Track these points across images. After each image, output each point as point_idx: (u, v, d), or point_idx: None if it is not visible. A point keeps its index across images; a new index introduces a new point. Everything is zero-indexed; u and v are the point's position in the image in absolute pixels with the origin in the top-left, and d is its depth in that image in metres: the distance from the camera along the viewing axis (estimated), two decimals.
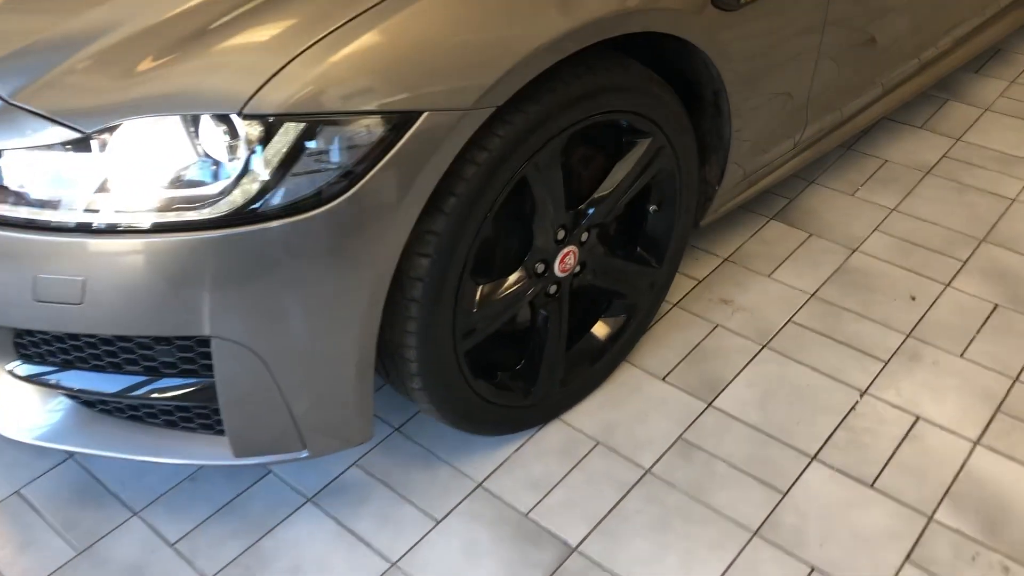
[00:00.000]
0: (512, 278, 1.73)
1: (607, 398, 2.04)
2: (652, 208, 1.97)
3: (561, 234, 1.76)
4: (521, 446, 1.94)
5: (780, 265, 2.40)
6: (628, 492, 1.84)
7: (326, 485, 1.88)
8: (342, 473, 1.90)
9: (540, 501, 1.83)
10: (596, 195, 1.79)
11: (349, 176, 1.36)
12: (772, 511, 1.79)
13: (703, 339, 2.18)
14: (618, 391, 2.06)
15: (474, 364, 1.76)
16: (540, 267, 1.77)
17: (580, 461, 1.91)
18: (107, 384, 1.59)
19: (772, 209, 2.60)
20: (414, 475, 1.89)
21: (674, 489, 1.84)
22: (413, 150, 1.38)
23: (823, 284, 2.33)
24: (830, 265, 2.39)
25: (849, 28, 2.15)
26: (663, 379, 2.08)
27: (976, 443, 1.91)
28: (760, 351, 2.15)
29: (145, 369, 1.56)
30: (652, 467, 1.89)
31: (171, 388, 1.56)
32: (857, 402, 2.01)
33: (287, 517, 1.82)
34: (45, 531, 1.80)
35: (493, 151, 1.50)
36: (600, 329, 2.01)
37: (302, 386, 1.53)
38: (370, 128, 1.36)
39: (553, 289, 1.83)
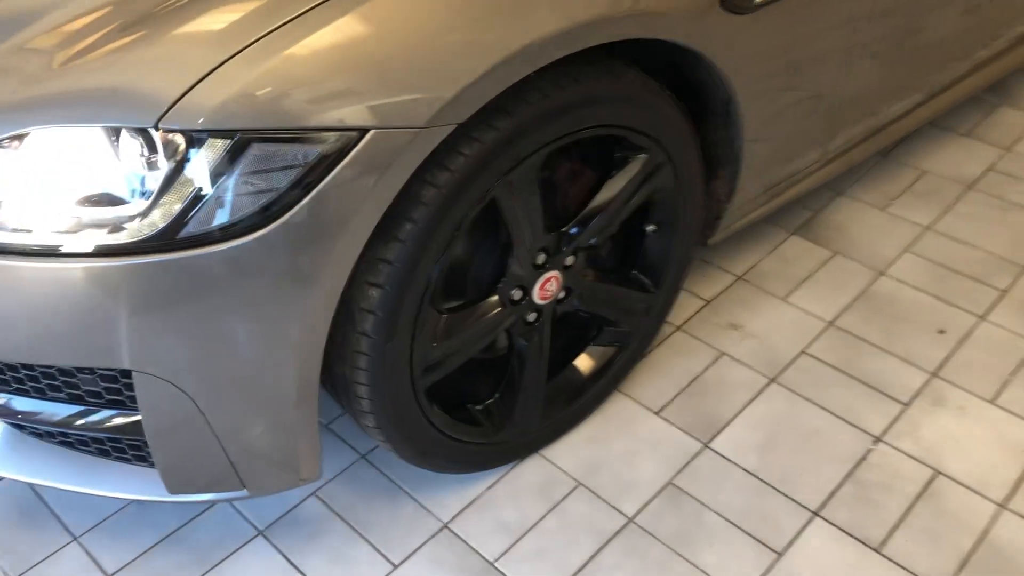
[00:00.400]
0: (484, 306, 1.56)
1: (594, 432, 1.87)
2: (650, 228, 1.78)
3: (541, 258, 1.58)
4: (495, 483, 1.78)
5: (798, 287, 2.19)
6: (607, 543, 1.67)
7: (280, 517, 1.73)
8: (299, 504, 1.75)
9: (509, 548, 1.67)
10: (582, 216, 1.61)
11: (282, 200, 1.20)
12: (764, 575, 1.61)
13: (705, 369, 1.99)
14: (607, 425, 1.88)
15: (441, 394, 1.60)
16: (517, 294, 1.59)
17: (557, 504, 1.74)
18: (39, 408, 1.46)
19: (794, 223, 2.39)
20: (375, 510, 1.73)
21: (657, 542, 1.67)
22: (357, 172, 1.21)
23: (843, 311, 2.12)
24: (853, 289, 2.18)
25: (888, 24, 1.92)
26: (657, 413, 1.90)
27: (1002, 507, 1.71)
28: (767, 386, 1.95)
29: (71, 397, 1.42)
30: (636, 516, 1.71)
31: (98, 419, 1.42)
32: (870, 450, 1.82)
33: (235, 551, 1.68)
34: None
35: (457, 171, 1.33)
36: (583, 363, 1.83)
37: (235, 424, 1.38)
38: (307, 147, 1.19)
39: (532, 317, 1.65)
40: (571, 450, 1.83)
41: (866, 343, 2.04)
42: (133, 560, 1.67)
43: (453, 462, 1.69)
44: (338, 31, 1.20)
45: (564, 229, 1.59)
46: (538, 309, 1.65)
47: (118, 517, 1.74)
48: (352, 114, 1.19)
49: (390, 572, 1.64)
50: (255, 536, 1.70)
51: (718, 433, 1.86)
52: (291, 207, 1.20)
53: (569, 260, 1.64)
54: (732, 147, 1.78)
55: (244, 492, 1.48)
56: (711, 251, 2.29)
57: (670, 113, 1.58)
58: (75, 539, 1.70)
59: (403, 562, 1.65)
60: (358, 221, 1.24)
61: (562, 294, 1.68)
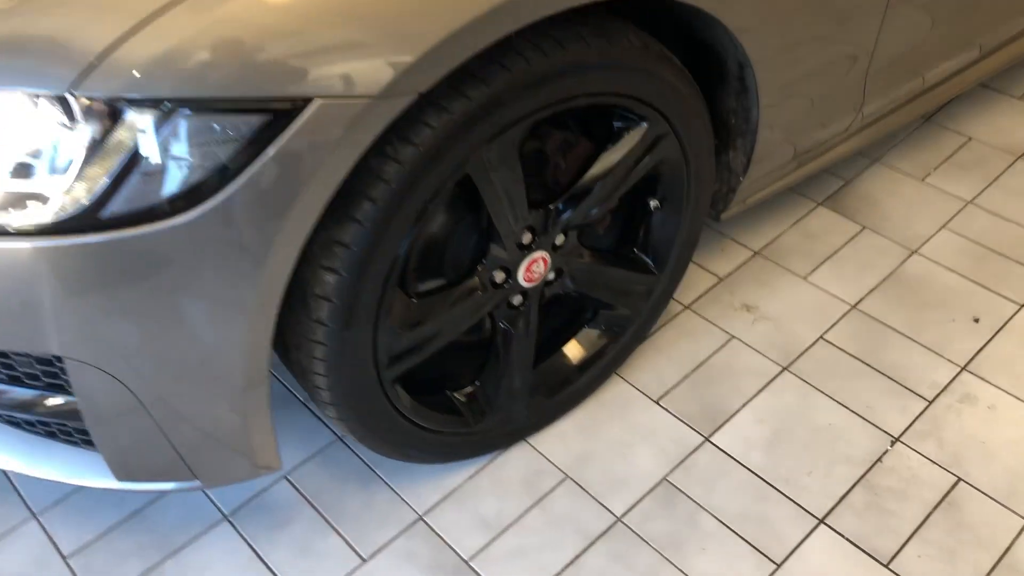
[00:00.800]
0: (462, 290, 1.43)
1: (588, 419, 1.74)
2: (653, 203, 1.62)
3: (527, 238, 1.43)
4: (476, 473, 1.66)
5: (821, 265, 2.02)
6: (591, 545, 1.55)
7: (248, 501, 1.64)
8: (268, 488, 1.65)
9: (487, 546, 1.56)
10: (573, 192, 1.45)
11: (217, 176, 1.06)
12: None
13: (713, 354, 1.85)
14: (602, 412, 1.75)
15: (418, 379, 1.48)
16: (500, 276, 1.45)
17: (542, 499, 1.62)
18: None
19: (822, 192, 2.20)
20: (348, 496, 1.63)
21: (645, 546, 1.54)
22: (301, 146, 1.07)
23: (869, 293, 1.96)
24: (881, 269, 2.01)
25: None
26: (657, 401, 1.77)
27: None
28: (779, 375, 1.80)
29: (9, 378, 1.32)
30: (625, 515, 1.59)
31: (37, 401, 1.32)
32: (887, 451, 1.67)
33: (199, 536, 1.59)
34: None
35: (423, 145, 1.18)
36: (576, 348, 1.69)
37: (178, 414, 1.27)
38: (244, 118, 1.05)
39: (518, 300, 1.51)
40: (561, 439, 1.71)
41: (891, 330, 1.88)
42: (92, 542, 1.58)
43: (428, 453, 1.57)
44: None
45: (553, 206, 1.44)
46: (524, 292, 1.51)
47: (82, 495, 1.65)
48: (294, 82, 1.05)
49: (358, 567, 1.54)
50: (220, 521, 1.61)
51: (721, 426, 1.72)
52: (226, 185, 1.07)
53: (559, 239, 1.49)
54: (748, 116, 1.60)
55: (197, 482, 1.38)
56: (727, 222, 2.12)
57: (674, 79, 1.41)
58: (34, 516, 1.62)
59: (373, 556, 1.55)
60: (305, 200, 1.11)
61: (551, 275, 1.54)
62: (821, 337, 1.87)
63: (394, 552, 1.55)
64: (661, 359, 1.84)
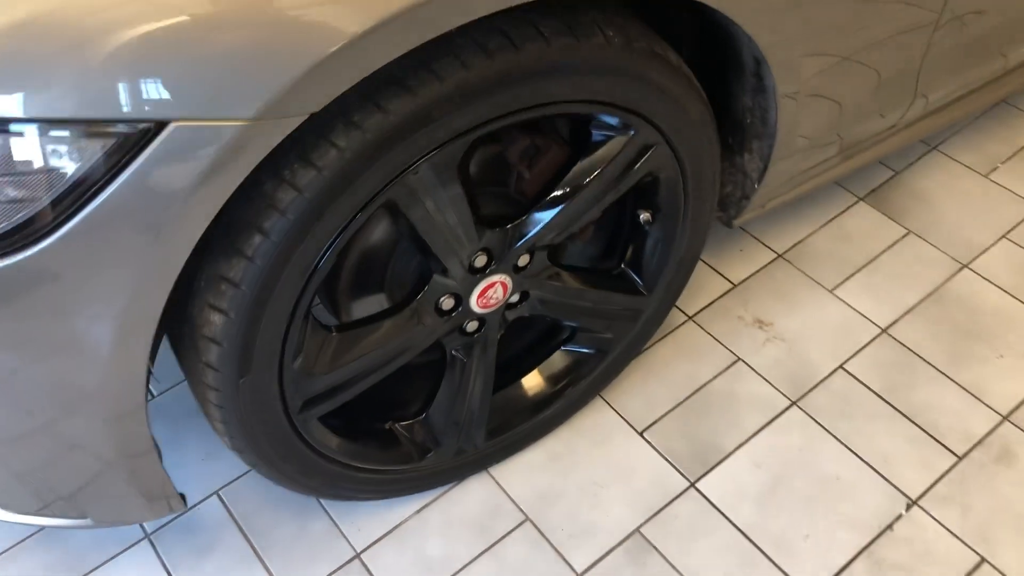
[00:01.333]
0: (396, 321, 1.21)
1: (561, 449, 1.53)
2: (643, 217, 1.37)
3: (481, 260, 1.20)
4: (427, 506, 1.47)
5: (853, 276, 1.75)
6: None
7: (173, 520, 1.48)
8: (198, 504, 1.49)
9: None
10: (538, 209, 1.21)
11: (56, 209, 0.86)
12: None
13: (713, 378, 1.61)
14: (578, 441, 1.54)
15: (354, 409, 1.29)
16: (447, 303, 1.23)
17: (495, 544, 1.43)
18: None
19: (865, 184, 1.91)
20: (282, 523, 1.46)
21: None
22: (156, 174, 0.85)
23: (904, 315, 1.69)
24: (923, 285, 1.73)
25: None
26: (641, 433, 1.55)
27: None
28: (786, 410, 1.56)
29: None
30: (586, 572, 1.39)
31: None
32: (900, 516, 1.43)
33: (115, 556, 1.44)
34: None
35: (328, 169, 0.96)
36: (547, 371, 1.47)
37: (46, 467, 1.09)
38: (85, 142, 0.83)
39: (472, 327, 1.30)
40: (527, 470, 1.51)
41: (924, 363, 1.62)
42: None
43: (363, 492, 1.39)
44: None
45: (512, 225, 1.20)
46: (480, 318, 1.29)
47: None
48: (146, 101, 0.82)
49: None
50: (140, 540, 1.46)
51: (711, 469, 1.49)
52: (65, 221, 0.86)
53: (523, 260, 1.26)
54: (766, 117, 1.33)
55: (88, 521, 1.22)
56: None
57: (667, 81, 1.15)
58: None
59: None
60: (170, 233, 0.89)
61: (515, 298, 1.31)
62: (841, 366, 1.62)
63: None
64: (653, 380, 1.61)
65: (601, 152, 1.20)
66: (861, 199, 1.88)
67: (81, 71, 0.81)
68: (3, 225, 0.86)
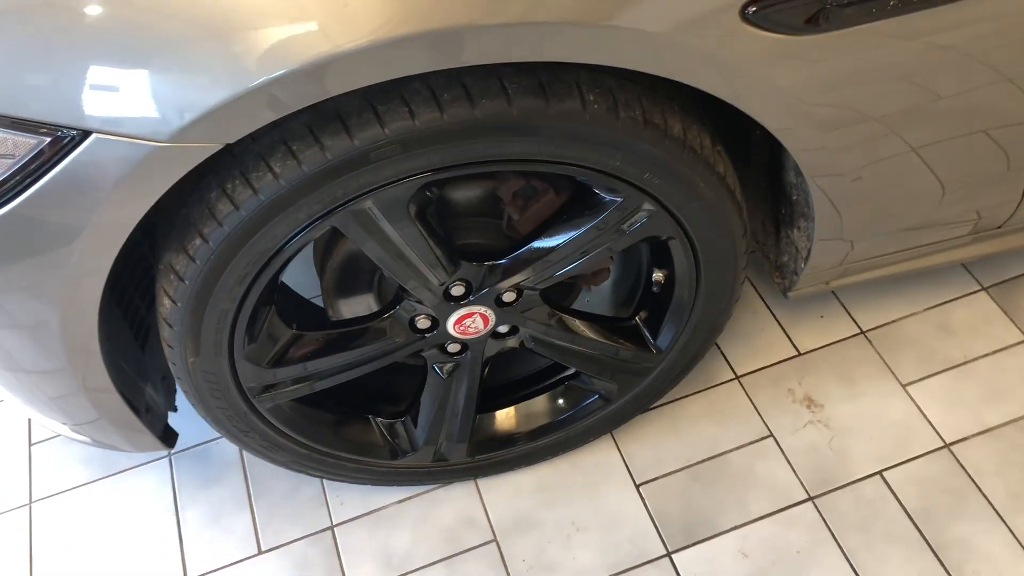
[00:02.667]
0: (364, 331, 1.23)
1: (553, 479, 1.51)
2: (656, 277, 1.29)
3: (459, 290, 1.19)
4: (409, 499, 1.51)
5: (937, 375, 1.56)
6: None
7: (196, 445, 1.61)
8: (220, 438, 1.61)
9: None
10: (519, 256, 1.18)
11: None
12: None
13: (735, 448, 1.51)
14: (572, 475, 1.51)
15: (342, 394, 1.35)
16: (424, 323, 1.24)
17: (455, 555, 1.45)
18: None
19: (994, 274, 1.67)
20: (280, 478, 1.55)
21: None
22: (80, 178, 0.92)
23: (977, 435, 1.48)
24: (1016, 407, 1.51)
25: None
26: (638, 486, 1.49)
27: None
28: (799, 504, 1.44)
29: None
30: None
31: None
32: None
33: (139, 466, 1.60)
34: None
35: (263, 192, 0.98)
36: (544, 402, 1.45)
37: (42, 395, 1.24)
38: (22, 138, 0.91)
39: (454, 348, 1.29)
40: (513, 492, 1.50)
41: (980, 496, 1.42)
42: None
43: (332, 475, 1.44)
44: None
45: (491, 263, 1.18)
46: (461, 342, 1.28)
47: None
48: (73, 110, 0.89)
49: (250, 557, 1.48)
50: (163, 457, 1.61)
51: (694, 544, 1.42)
52: (4, 203, 0.95)
53: (508, 296, 1.23)
54: (808, 199, 1.20)
55: (87, 439, 1.37)
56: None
57: (662, 152, 1.06)
58: None
59: (269, 551, 1.48)
60: (95, 229, 0.96)
61: (504, 328, 1.29)
62: (880, 473, 1.46)
63: (289, 554, 1.47)
64: (671, 434, 1.53)
65: (588, 210, 1.14)
66: (984, 289, 1.65)
67: (24, 77, 0.88)
68: None
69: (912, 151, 1.15)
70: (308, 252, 1.34)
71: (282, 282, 1.31)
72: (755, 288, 1.70)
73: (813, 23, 0.94)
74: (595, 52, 0.93)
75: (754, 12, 0.91)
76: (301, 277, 1.50)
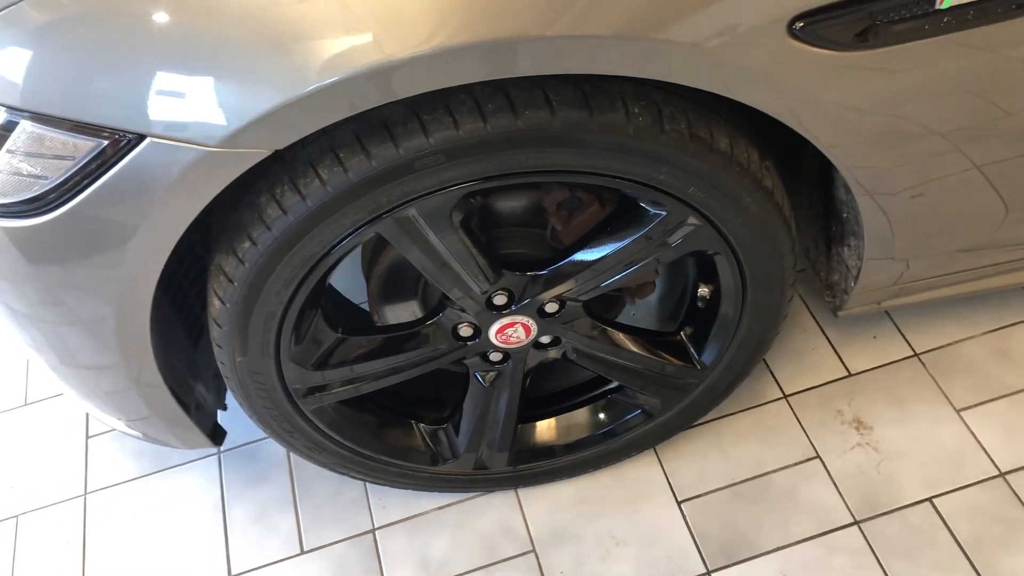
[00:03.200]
0: (408, 338, 1.25)
1: (594, 492, 1.50)
2: (702, 292, 1.28)
3: (501, 299, 1.20)
4: (449, 506, 1.52)
5: (992, 401, 1.51)
6: None
7: (246, 443, 1.64)
8: (262, 439, 1.65)
9: None
10: (561, 268, 1.18)
11: (55, 193, 0.98)
12: None
13: (781, 468, 1.49)
14: (614, 489, 1.50)
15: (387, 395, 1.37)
16: (466, 331, 1.25)
17: (493, 564, 1.45)
18: None
19: None
20: (324, 479, 1.57)
21: None
22: (135, 179, 0.95)
23: None
24: None
25: None
26: (680, 503, 1.47)
27: None
28: (844, 528, 1.41)
29: None
30: None
31: None
32: None
33: (189, 463, 1.64)
34: None
35: (311, 198, 1.00)
36: (585, 415, 1.44)
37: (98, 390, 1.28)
38: (82, 140, 0.95)
39: (497, 356, 1.30)
40: (553, 504, 1.50)
41: None
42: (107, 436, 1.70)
43: (373, 478, 1.46)
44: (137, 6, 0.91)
45: (533, 274, 1.19)
46: (503, 351, 1.29)
47: None
48: (130, 115, 0.92)
49: (293, 556, 1.50)
50: (213, 455, 1.65)
51: (734, 564, 1.40)
52: (65, 202, 0.99)
53: (551, 307, 1.23)
54: (858, 217, 1.18)
55: (139, 435, 1.40)
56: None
57: (707, 166, 1.05)
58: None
59: (311, 551, 1.50)
60: (148, 230, 1.00)
61: (546, 339, 1.30)
62: (930, 499, 1.42)
63: (331, 556, 1.49)
64: (715, 452, 1.52)
65: (632, 223, 1.14)
66: None
67: (85, 83, 0.92)
68: (29, 193, 1.00)
69: (969, 169, 1.12)
70: (357, 257, 1.37)
71: (331, 286, 1.34)
72: (806, 306, 1.67)
73: (862, 39, 0.93)
74: (643, 65, 0.93)
75: (801, 28, 0.91)
76: (351, 281, 1.53)
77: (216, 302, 1.12)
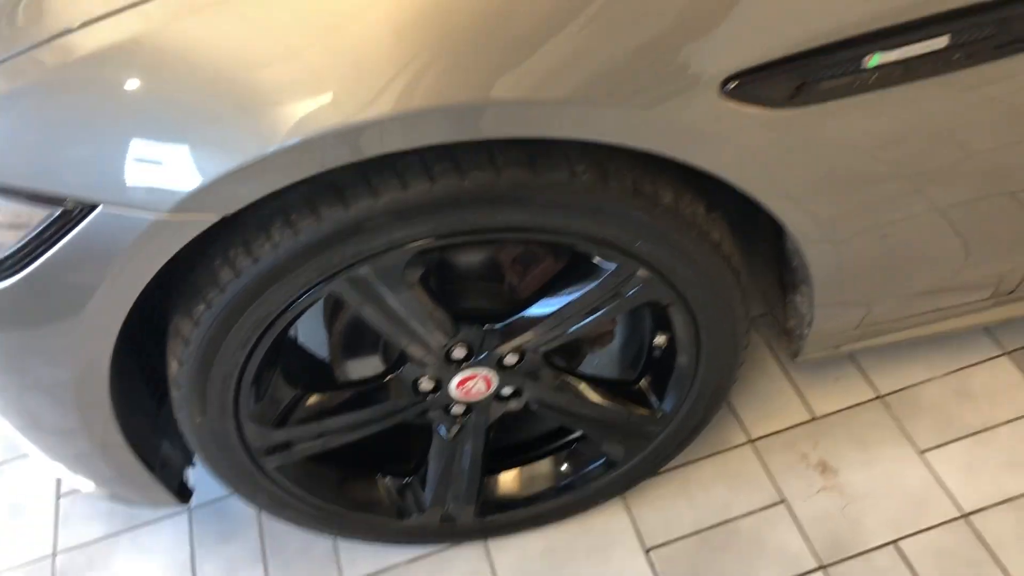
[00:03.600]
0: (369, 393, 1.26)
1: (560, 542, 1.50)
2: (658, 340, 1.30)
3: (460, 352, 1.22)
4: (420, 558, 1.52)
5: (954, 442, 1.53)
6: None
7: (215, 500, 1.64)
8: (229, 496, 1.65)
9: None
10: (515, 322, 1.20)
11: (10, 261, 1.00)
12: None
13: (747, 514, 1.49)
14: (580, 540, 1.50)
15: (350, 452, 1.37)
16: (427, 384, 1.26)
17: None
18: None
19: (1018, 337, 1.64)
20: (294, 534, 1.57)
21: None
22: (87, 248, 0.97)
23: (997, 504, 1.45)
24: None
25: None
26: (647, 551, 1.48)
27: None
28: (809, 573, 1.42)
29: None
30: None
31: None
32: None
33: (159, 520, 1.64)
34: None
35: (262, 260, 1.02)
36: (550, 465, 1.45)
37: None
38: (35, 209, 0.97)
39: (459, 409, 1.31)
40: (520, 556, 1.50)
41: (998, 569, 1.38)
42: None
43: (346, 534, 1.46)
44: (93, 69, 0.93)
45: (489, 327, 1.20)
46: (465, 404, 1.30)
47: None
48: (82, 184, 0.94)
49: None
50: (182, 512, 1.64)
51: None
52: (21, 268, 1.00)
53: (510, 359, 1.25)
54: (805, 263, 1.20)
55: (109, 494, 1.41)
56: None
57: (653, 220, 1.07)
58: None
59: None
60: (102, 296, 1.01)
61: (507, 391, 1.31)
62: (895, 542, 1.43)
63: None
64: (683, 498, 1.52)
65: (585, 276, 1.16)
66: (1007, 353, 1.62)
67: (40, 153, 0.94)
68: None
69: (910, 216, 1.15)
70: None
71: (294, 340, 1.35)
72: (771, 349, 1.69)
73: (794, 97, 0.96)
74: (580, 128, 0.96)
75: (734, 88, 0.94)
76: (319, 335, 1.54)
77: (174, 363, 1.13)
